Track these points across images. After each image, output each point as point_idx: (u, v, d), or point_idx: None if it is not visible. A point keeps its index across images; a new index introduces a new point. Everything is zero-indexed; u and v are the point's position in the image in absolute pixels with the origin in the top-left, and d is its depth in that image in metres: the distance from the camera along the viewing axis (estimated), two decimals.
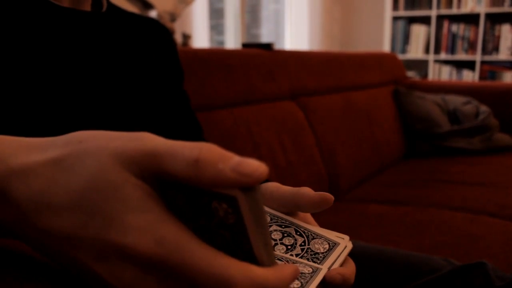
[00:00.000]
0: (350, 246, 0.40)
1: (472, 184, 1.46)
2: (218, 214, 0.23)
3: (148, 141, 0.24)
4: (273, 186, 0.43)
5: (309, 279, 0.35)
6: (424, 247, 0.99)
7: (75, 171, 0.23)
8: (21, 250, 0.30)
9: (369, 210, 1.26)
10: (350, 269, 0.38)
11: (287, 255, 0.38)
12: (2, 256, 0.28)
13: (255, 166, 0.22)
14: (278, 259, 0.38)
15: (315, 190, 0.40)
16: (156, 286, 0.23)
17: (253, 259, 0.24)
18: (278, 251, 0.39)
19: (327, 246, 0.39)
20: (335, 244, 0.39)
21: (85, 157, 0.23)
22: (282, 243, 0.40)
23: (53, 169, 0.24)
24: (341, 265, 0.39)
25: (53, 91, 0.48)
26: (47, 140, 0.26)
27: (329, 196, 0.39)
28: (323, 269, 0.37)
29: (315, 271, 0.36)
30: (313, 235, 0.40)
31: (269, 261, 0.25)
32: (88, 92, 0.51)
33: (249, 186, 0.22)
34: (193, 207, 0.24)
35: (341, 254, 0.39)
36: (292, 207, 0.41)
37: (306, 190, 0.40)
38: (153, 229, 0.22)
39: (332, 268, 0.37)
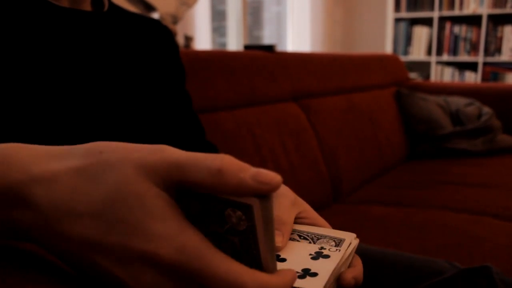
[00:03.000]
0: (356, 242, 0.40)
1: (475, 186, 1.45)
2: (231, 221, 0.25)
3: (170, 153, 0.25)
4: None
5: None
6: (427, 249, 0.99)
7: (98, 181, 0.24)
8: (21, 249, 0.30)
9: (371, 212, 1.25)
10: (359, 267, 0.40)
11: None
12: (2, 256, 0.28)
13: (272, 175, 0.24)
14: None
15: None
16: None
17: (259, 263, 0.26)
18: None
19: (333, 243, 0.40)
20: (341, 240, 0.40)
21: (107, 167, 0.24)
22: None
23: (76, 178, 0.25)
24: (350, 263, 0.39)
25: (55, 92, 0.48)
26: (65, 149, 0.27)
27: None
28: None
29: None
30: (317, 236, 0.41)
31: (273, 266, 0.27)
32: (90, 92, 0.51)
33: (266, 194, 0.24)
34: (206, 214, 0.26)
35: (347, 250, 0.39)
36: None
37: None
38: (174, 237, 0.23)
39: (341, 265, 0.37)
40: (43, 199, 0.24)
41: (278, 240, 0.38)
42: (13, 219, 0.25)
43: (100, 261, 0.24)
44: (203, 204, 0.26)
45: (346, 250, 0.39)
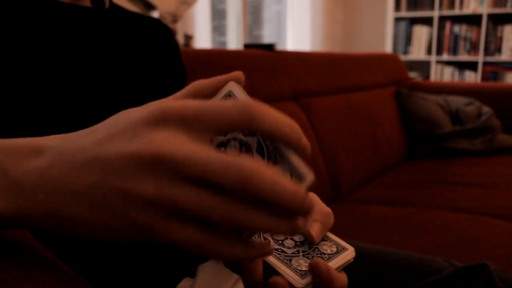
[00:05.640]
0: (353, 255, 0.40)
1: (475, 185, 1.45)
2: None
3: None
4: None
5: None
6: (426, 248, 0.99)
7: (103, 123, 0.29)
8: (21, 248, 0.30)
9: (370, 211, 1.25)
10: (343, 279, 0.38)
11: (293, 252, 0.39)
12: (1, 254, 0.28)
13: None
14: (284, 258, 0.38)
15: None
16: (184, 140, 0.26)
17: None
18: (286, 244, 0.39)
19: (335, 249, 0.40)
20: (343, 249, 0.40)
21: (109, 120, 0.29)
22: (292, 239, 0.40)
23: (85, 131, 0.29)
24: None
25: (54, 89, 0.48)
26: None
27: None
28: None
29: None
30: (323, 237, 0.41)
31: None
32: (88, 89, 0.51)
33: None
34: None
35: (344, 260, 0.39)
36: None
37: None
38: (161, 101, 0.27)
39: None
40: (56, 142, 0.28)
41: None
42: (28, 170, 0.27)
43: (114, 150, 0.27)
44: None
45: (344, 259, 0.39)
